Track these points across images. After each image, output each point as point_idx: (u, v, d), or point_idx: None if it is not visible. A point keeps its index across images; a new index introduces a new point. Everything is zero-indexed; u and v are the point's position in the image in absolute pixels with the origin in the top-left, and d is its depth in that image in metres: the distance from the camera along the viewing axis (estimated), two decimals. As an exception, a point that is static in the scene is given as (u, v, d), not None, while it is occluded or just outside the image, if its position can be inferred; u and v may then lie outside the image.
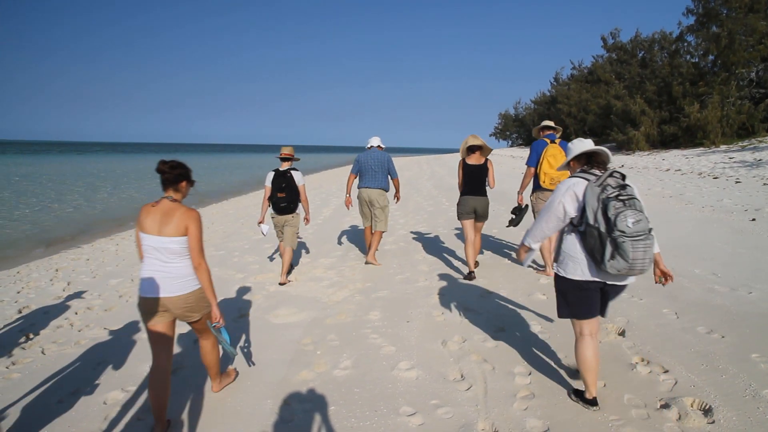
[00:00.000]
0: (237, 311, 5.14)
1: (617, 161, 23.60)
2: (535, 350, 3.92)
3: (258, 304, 5.37)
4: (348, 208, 7.23)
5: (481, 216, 5.93)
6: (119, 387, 3.60)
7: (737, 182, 12.94)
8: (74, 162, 51.69)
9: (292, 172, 5.96)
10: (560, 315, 3.15)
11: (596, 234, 2.71)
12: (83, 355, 4.24)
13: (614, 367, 3.57)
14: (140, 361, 4.03)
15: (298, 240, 6.99)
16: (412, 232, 9.18)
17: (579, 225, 2.86)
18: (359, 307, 5.14)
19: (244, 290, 5.88)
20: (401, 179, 8.06)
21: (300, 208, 6.14)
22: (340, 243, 8.44)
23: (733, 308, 4.60)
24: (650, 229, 2.69)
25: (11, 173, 31.51)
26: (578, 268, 2.89)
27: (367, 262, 6.88)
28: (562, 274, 2.98)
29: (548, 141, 5.76)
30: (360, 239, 8.63)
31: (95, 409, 3.30)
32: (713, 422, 2.84)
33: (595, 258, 2.77)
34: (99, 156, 72.13)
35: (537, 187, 5.84)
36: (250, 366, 3.86)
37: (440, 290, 5.55)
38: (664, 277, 3.00)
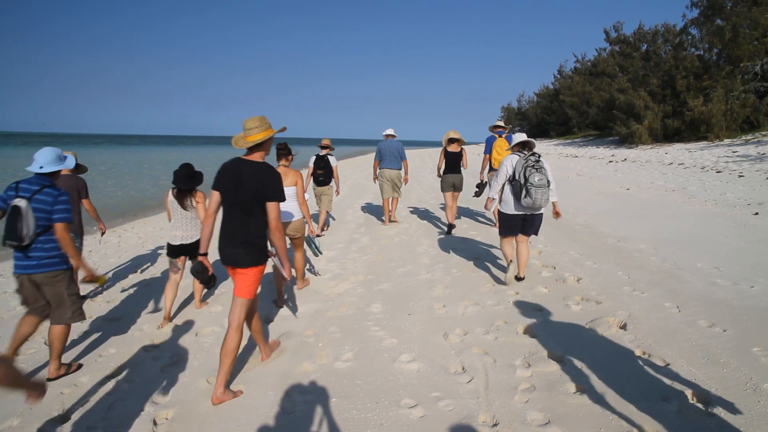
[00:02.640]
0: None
1: (620, 155, 23.52)
2: (536, 343, 3.93)
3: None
4: (375, 183, 9.16)
5: (457, 187, 8.17)
6: (121, 377, 3.62)
7: (740, 176, 12.89)
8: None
9: (328, 156, 8.25)
10: (500, 233, 5.38)
11: (518, 185, 4.92)
12: (85, 344, 4.26)
13: (615, 360, 3.57)
14: (140, 352, 4.05)
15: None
16: (414, 225, 9.18)
17: (511, 180, 5.03)
18: (361, 299, 5.15)
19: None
20: None
21: (333, 183, 8.41)
22: (341, 235, 8.44)
23: (735, 302, 4.59)
24: (549, 184, 4.89)
25: (17, 166, 31.48)
26: (509, 207, 5.11)
27: (390, 222, 9.29)
28: (502, 209, 5.22)
29: (497, 136, 7.97)
30: (361, 232, 8.67)
31: (96, 402, 3.32)
32: (714, 415, 2.84)
33: (518, 198, 4.95)
34: (101, 148, 71.90)
35: (491, 168, 7.97)
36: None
37: (442, 283, 5.56)
38: (557, 214, 5.30)
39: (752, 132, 22.15)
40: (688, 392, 3.08)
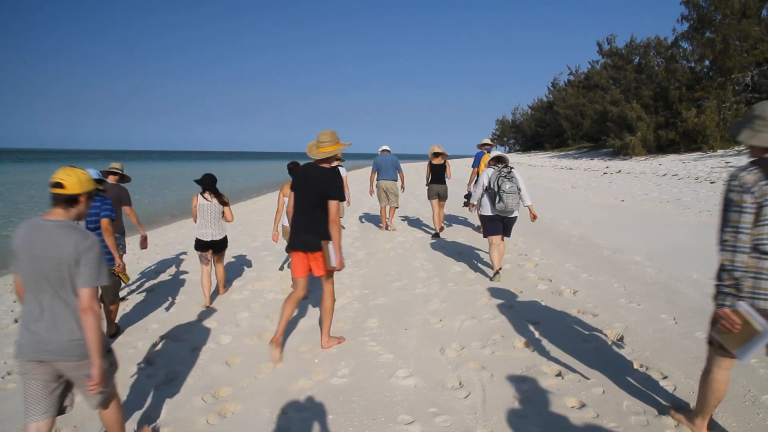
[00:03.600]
0: (234, 320, 5.12)
1: (614, 166, 23.70)
2: (533, 357, 3.91)
3: (255, 311, 5.35)
4: (371, 195, 10.20)
5: (442, 197, 9.20)
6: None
7: (734, 187, 12.96)
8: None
9: (338, 168, 8.03)
10: (484, 235, 6.19)
11: (493, 192, 5.80)
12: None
13: (613, 373, 3.56)
14: (135, 370, 4.02)
15: None
16: (409, 239, 9.18)
17: (487, 189, 5.88)
18: (357, 314, 5.13)
19: (241, 298, 5.87)
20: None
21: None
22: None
23: (731, 313, 4.59)
24: (519, 190, 5.75)
25: (15, 181, 31.38)
26: (486, 210, 5.96)
27: (387, 229, 10.08)
28: (481, 212, 6.06)
29: (485, 152, 8.88)
30: (357, 246, 8.66)
31: (90, 421, 3.28)
32: (713, 428, 2.83)
33: (493, 203, 5.82)
34: (99, 164, 71.72)
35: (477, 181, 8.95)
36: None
37: (438, 297, 5.54)
38: (534, 217, 6.08)
39: (744, 143, 22.34)
40: (687, 405, 3.07)
